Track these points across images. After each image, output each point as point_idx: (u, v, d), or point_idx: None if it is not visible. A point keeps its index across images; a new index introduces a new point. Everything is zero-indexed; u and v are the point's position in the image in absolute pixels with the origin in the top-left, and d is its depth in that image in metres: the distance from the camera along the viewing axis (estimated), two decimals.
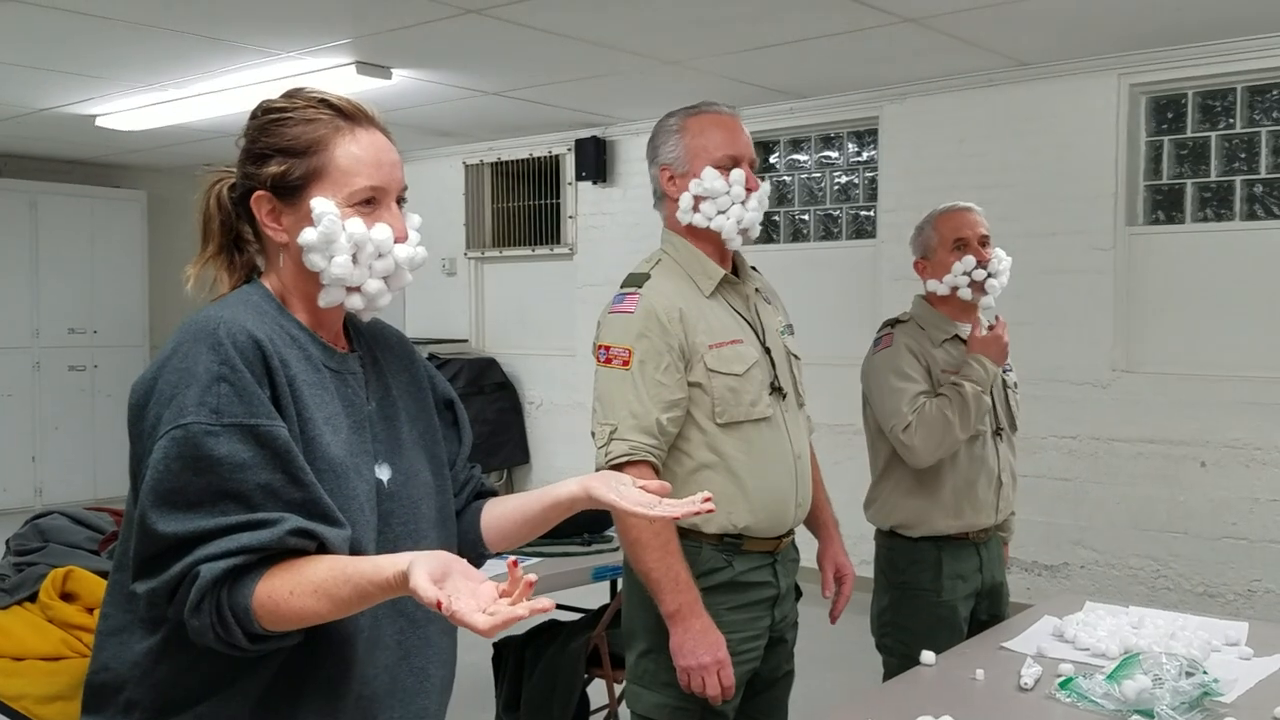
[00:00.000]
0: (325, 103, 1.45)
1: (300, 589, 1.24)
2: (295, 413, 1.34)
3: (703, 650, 2.11)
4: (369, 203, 1.42)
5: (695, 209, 2.25)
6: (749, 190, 2.24)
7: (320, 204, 1.40)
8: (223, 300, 1.42)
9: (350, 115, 1.45)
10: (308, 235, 1.39)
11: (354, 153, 1.43)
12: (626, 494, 1.41)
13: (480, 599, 1.15)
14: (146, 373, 1.33)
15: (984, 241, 2.82)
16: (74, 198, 8.45)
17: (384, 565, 1.21)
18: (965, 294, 2.79)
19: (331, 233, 1.39)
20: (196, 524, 1.24)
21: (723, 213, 2.23)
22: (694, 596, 2.13)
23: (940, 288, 2.81)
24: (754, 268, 2.47)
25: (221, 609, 1.23)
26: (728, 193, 2.23)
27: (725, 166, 2.23)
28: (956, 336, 2.87)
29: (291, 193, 1.41)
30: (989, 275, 2.78)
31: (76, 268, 8.46)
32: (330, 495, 1.33)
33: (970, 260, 2.77)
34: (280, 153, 1.42)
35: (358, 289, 1.42)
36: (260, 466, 1.27)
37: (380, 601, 1.26)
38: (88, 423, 8.47)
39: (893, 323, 2.89)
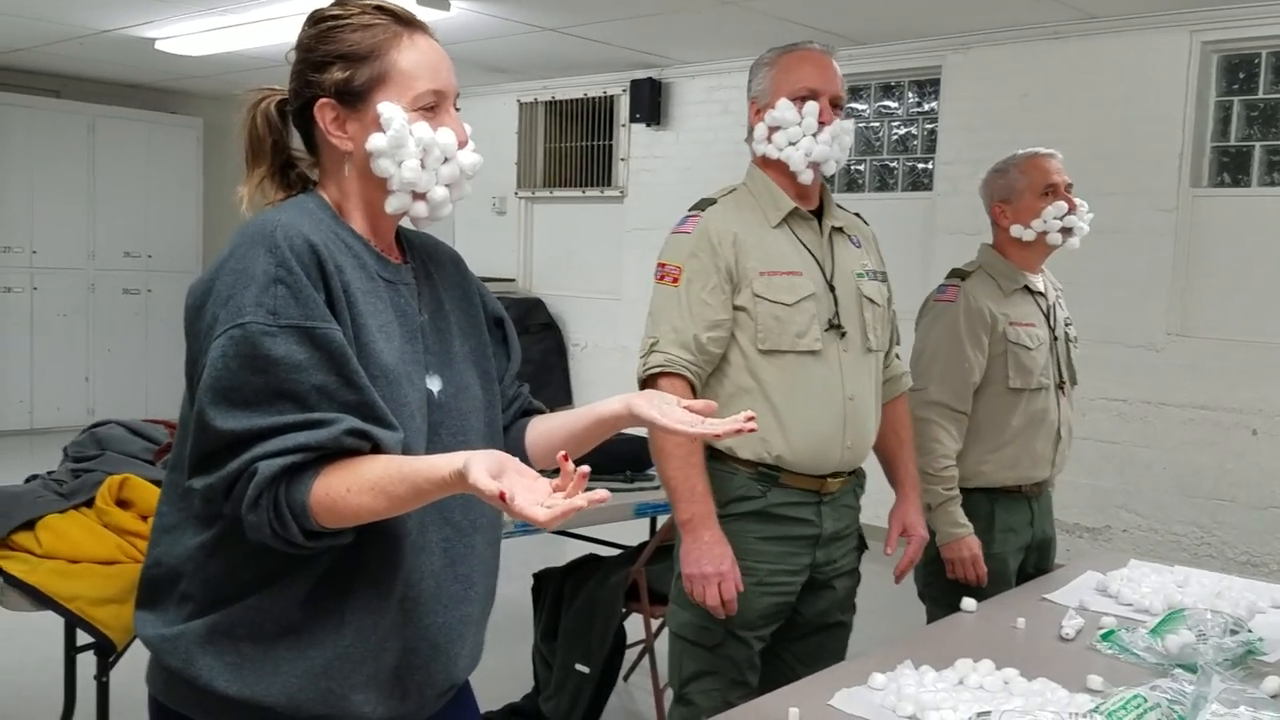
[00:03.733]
0: (380, 9, 1.45)
1: (357, 486, 1.26)
2: (350, 318, 1.35)
3: (706, 561, 2.17)
4: (431, 107, 1.43)
5: (768, 139, 2.29)
6: (822, 123, 2.25)
7: (388, 108, 1.40)
8: (279, 206, 1.43)
9: (406, 20, 1.45)
10: (376, 140, 1.40)
11: (415, 57, 1.43)
12: (669, 412, 1.41)
13: (537, 494, 1.17)
14: (204, 274, 1.35)
15: (1068, 188, 2.81)
16: (132, 122, 8.52)
17: (440, 464, 1.23)
18: (1055, 239, 2.78)
19: (400, 137, 1.39)
20: (253, 421, 1.26)
21: (793, 144, 2.26)
22: (707, 509, 2.20)
23: (1027, 233, 2.78)
24: (857, 214, 2.50)
25: (279, 505, 1.26)
26: (799, 124, 2.25)
27: (800, 98, 2.26)
28: (1026, 287, 2.83)
29: (356, 98, 1.42)
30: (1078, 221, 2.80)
31: (133, 192, 8.55)
32: (382, 401, 1.34)
33: (1062, 206, 2.77)
34: (342, 59, 1.42)
35: (424, 196, 1.43)
36: (316, 368, 1.28)
37: (436, 499, 1.28)
38: (140, 346, 8.61)
39: (962, 274, 2.83)
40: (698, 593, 2.19)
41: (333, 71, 1.42)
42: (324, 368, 1.29)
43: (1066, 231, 2.78)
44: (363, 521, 1.29)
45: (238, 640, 1.36)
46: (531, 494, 1.17)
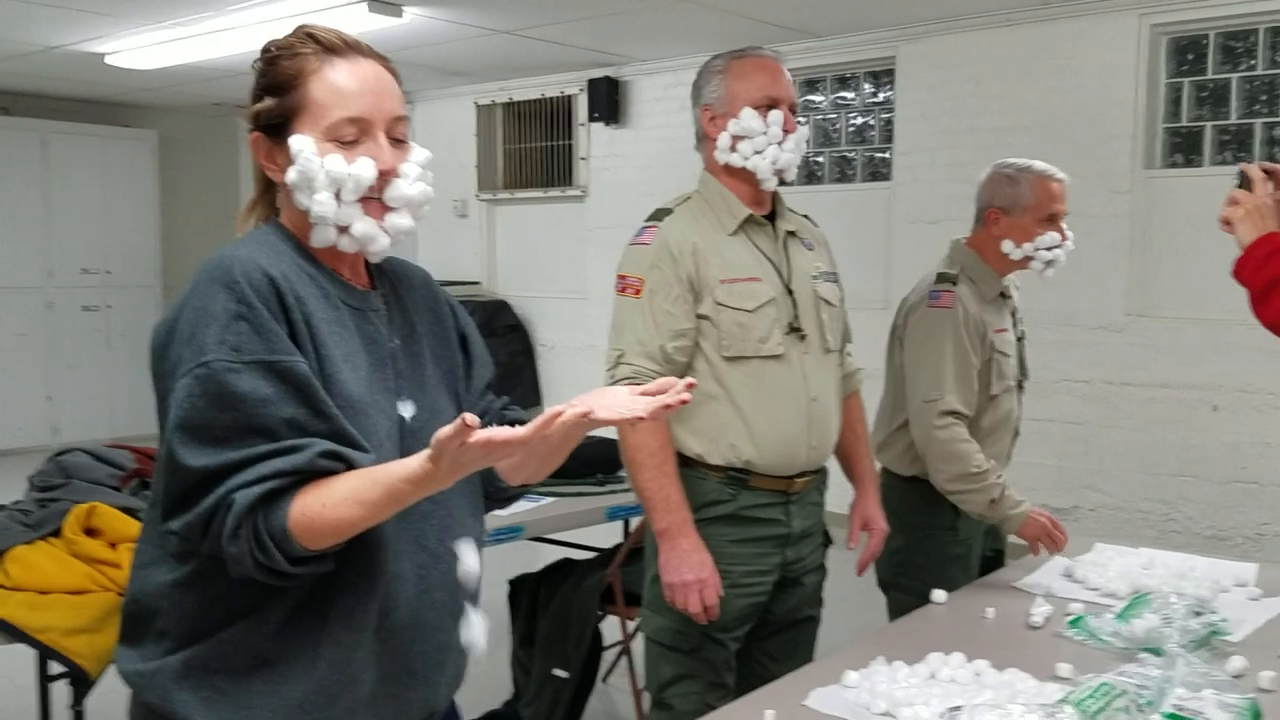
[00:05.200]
0: (311, 37, 1.42)
1: (332, 500, 1.25)
2: (313, 349, 1.34)
3: (686, 568, 2.18)
4: (350, 138, 1.38)
5: (733, 148, 2.29)
6: (786, 132, 2.27)
7: (297, 141, 1.37)
8: (239, 240, 1.42)
9: (331, 47, 1.41)
10: (289, 174, 1.37)
11: (332, 84, 1.39)
12: (609, 405, 1.29)
13: (505, 430, 1.18)
14: (166, 315, 1.34)
15: (1063, 216, 2.78)
16: (85, 137, 8.41)
17: (409, 461, 1.23)
18: (1037, 266, 2.76)
19: (309, 170, 1.35)
20: (225, 456, 1.25)
21: (759, 153, 2.27)
22: (684, 516, 2.20)
23: (1016, 251, 2.73)
24: (806, 216, 2.50)
25: (259, 533, 1.25)
26: (764, 133, 2.26)
27: (764, 107, 2.27)
28: (1001, 294, 2.82)
29: (277, 131, 1.40)
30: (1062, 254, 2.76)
31: (88, 208, 8.44)
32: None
33: (1055, 237, 2.74)
34: (268, 90, 1.41)
35: (347, 229, 1.38)
36: (284, 401, 1.28)
37: (412, 500, 1.26)
38: (103, 362, 8.52)
39: (951, 279, 2.74)
40: (679, 600, 2.19)
41: (261, 104, 1.41)
42: (292, 400, 1.28)
43: (1048, 263, 2.76)
44: (343, 537, 1.28)
45: (212, 674, 1.35)
46: (500, 431, 1.17)
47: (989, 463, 2.62)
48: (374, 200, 1.39)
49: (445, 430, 1.15)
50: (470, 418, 1.14)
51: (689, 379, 1.32)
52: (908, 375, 2.73)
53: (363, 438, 1.35)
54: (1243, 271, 2.09)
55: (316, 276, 1.41)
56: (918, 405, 2.67)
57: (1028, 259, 2.75)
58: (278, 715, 1.36)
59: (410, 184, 1.40)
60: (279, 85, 1.40)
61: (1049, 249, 2.74)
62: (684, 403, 1.27)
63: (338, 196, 1.37)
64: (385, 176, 1.39)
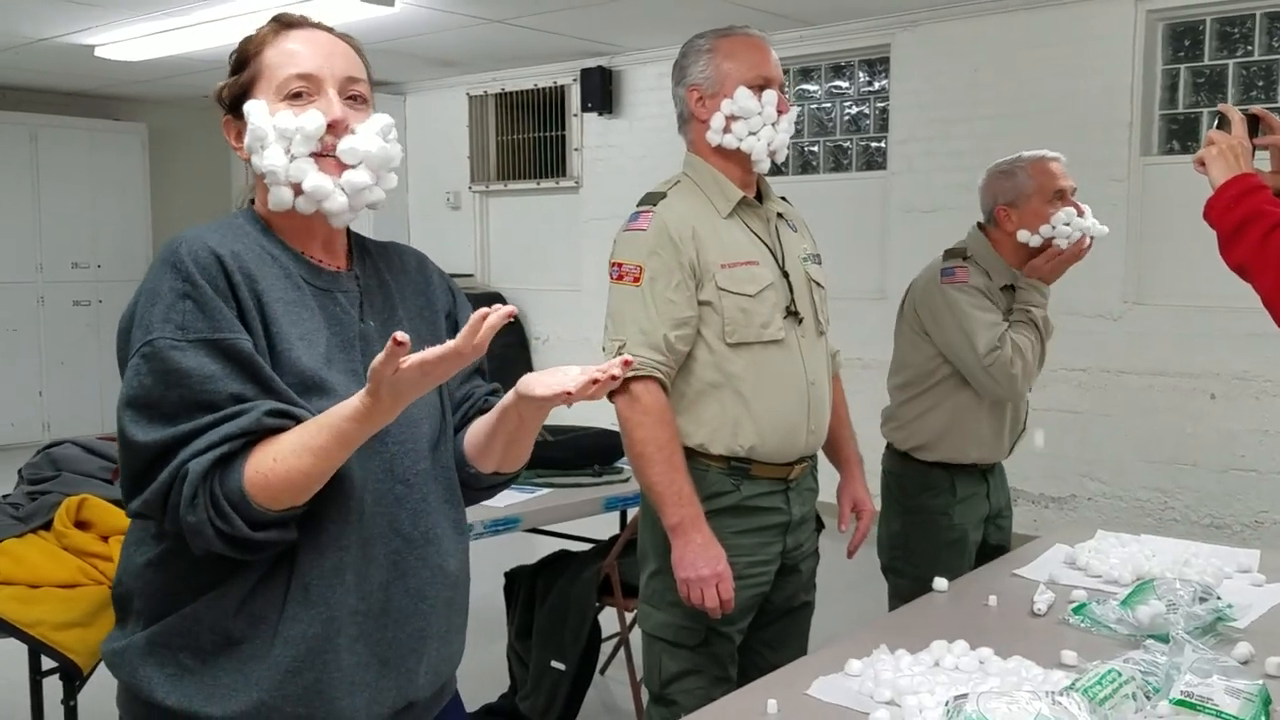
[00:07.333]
0: (276, 19, 1.46)
1: (282, 453, 1.26)
2: (263, 326, 1.34)
3: (702, 563, 2.13)
4: (299, 94, 1.40)
5: (727, 129, 2.23)
6: (780, 112, 2.23)
7: (250, 105, 1.39)
8: (201, 225, 1.43)
9: (290, 22, 1.45)
10: (246, 139, 1.40)
11: (283, 49, 1.42)
12: (549, 381, 1.33)
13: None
14: (130, 302, 1.36)
15: (1073, 192, 2.76)
16: (74, 130, 8.37)
17: (350, 400, 1.24)
18: (1063, 244, 2.73)
19: (260, 128, 1.37)
20: (176, 429, 1.26)
21: (754, 134, 2.22)
22: (696, 510, 2.16)
23: (1034, 239, 2.72)
24: (784, 198, 2.46)
25: (217, 499, 1.25)
26: (760, 113, 2.21)
27: (757, 87, 2.22)
28: (1009, 285, 2.80)
29: (237, 105, 1.43)
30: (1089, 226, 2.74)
31: (78, 201, 8.40)
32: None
33: (1070, 211, 2.71)
34: (230, 72, 1.45)
35: (299, 187, 1.38)
36: (229, 378, 1.28)
37: (360, 440, 1.26)
38: (94, 357, 8.47)
39: (962, 254, 2.77)
40: (695, 596, 2.14)
41: (225, 86, 1.45)
42: (237, 377, 1.29)
43: (1078, 240, 2.72)
44: (300, 490, 1.28)
45: (177, 651, 1.36)
46: (431, 350, 1.18)
47: (1000, 339, 2.67)
48: (329, 157, 1.38)
49: (378, 358, 1.17)
50: (400, 335, 1.14)
51: (626, 356, 1.32)
52: (950, 355, 2.75)
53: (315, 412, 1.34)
54: (1211, 212, 2.08)
55: (280, 257, 1.41)
56: (980, 371, 2.68)
57: (1049, 240, 2.73)
58: (240, 695, 1.35)
59: (366, 139, 1.39)
60: (239, 63, 1.45)
61: (1067, 224, 2.71)
62: (614, 379, 1.28)
63: (288, 152, 1.37)
64: (335, 129, 1.38)
